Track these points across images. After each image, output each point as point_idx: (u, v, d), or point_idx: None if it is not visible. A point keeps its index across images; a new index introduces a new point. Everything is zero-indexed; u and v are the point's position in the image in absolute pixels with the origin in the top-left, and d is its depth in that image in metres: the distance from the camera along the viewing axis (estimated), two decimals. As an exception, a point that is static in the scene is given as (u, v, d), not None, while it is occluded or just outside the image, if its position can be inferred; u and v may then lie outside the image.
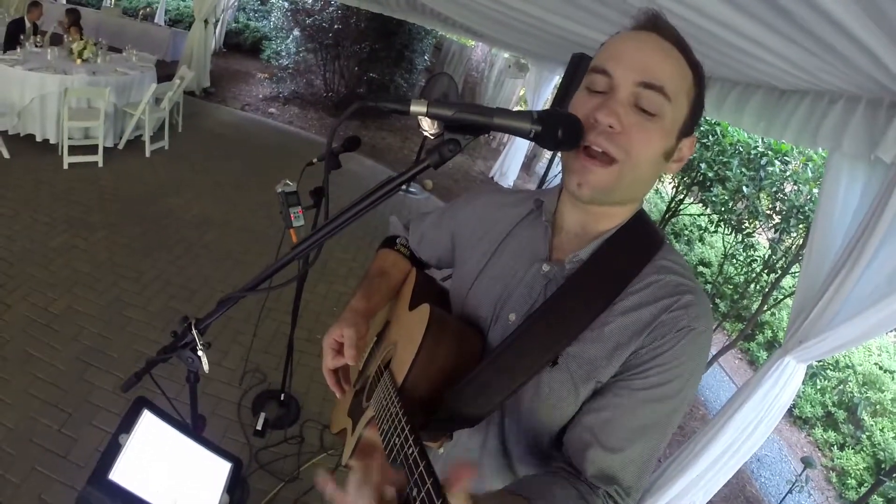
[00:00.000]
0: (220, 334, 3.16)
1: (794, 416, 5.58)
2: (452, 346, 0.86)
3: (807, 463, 2.85)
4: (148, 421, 1.22)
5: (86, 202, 4.22)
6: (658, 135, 0.76)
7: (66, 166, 4.61)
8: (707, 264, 7.87)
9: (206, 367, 1.03)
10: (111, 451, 1.14)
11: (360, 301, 1.02)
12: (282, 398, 2.78)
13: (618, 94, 0.75)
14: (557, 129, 0.72)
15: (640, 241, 0.85)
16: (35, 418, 2.33)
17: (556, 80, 7.78)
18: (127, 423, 1.18)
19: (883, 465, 4.83)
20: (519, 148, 8.71)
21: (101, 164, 4.84)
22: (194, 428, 1.34)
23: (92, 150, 4.80)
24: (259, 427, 2.61)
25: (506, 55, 11.09)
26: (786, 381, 2.03)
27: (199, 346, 1.00)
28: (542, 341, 0.81)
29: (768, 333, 6.56)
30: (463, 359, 0.86)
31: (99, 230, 3.89)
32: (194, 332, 0.98)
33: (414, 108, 0.68)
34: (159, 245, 3.96)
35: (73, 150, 4.67)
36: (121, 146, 5.31)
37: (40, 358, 2.64)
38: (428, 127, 6.42)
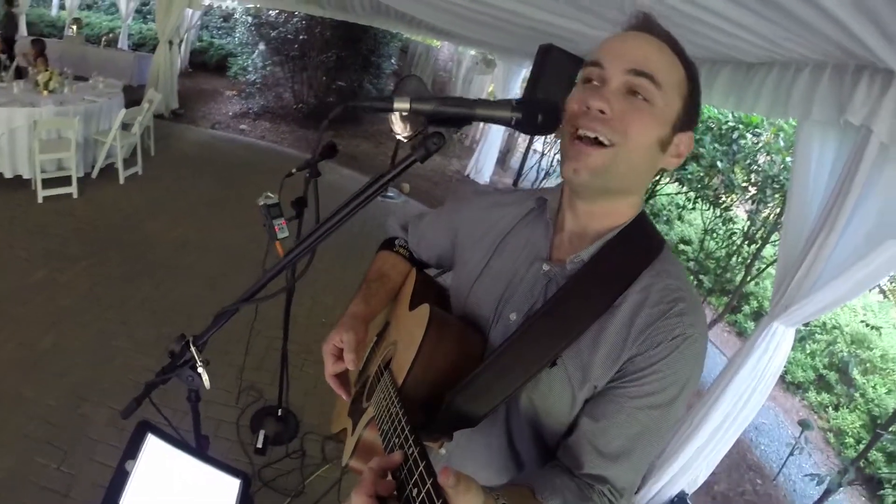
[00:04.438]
0: (210, 358, 3.10)
1: (787, 382, 5.67)
2: (453, 346, 0.86)
3: (804, 425, 2.91)
4: (153, 444, 1.20)
5: (63, 234, 4.13)
6: (650, 119, 0.78)
7: (40, 200, 4.51)
8: (688, 242, 7.92)
9: (207, 383, 1.02)
10: (119, 480, 1.12)
11: (358, 305, 1.02)
12: (279, 413, 2.75)
13: (610, 83, 0.78)
14: (537, 115, 0.74)
15: (640, 245, 0.86)
16: (32, 458, 2.28)
17: (524, 73, 7.82)
18: (132, 449, 1.16)
19: (879, 420, 4.92)
20: (492, 144, 8.76)
21: (76, 195, 4.75)
22: (199, 448, 1.33)
23: (66, 181, 4.70)
24: (259, 445, 2.58)
25: (472, 52, 11.12)
26: (776, 346, 2.07)
27: (199, 363, 1.00)
28: (542, 342, 0.81)
29: (754, 304, 6.65)
30: (463, 359, 0.86)
31: (79, 262, 3.82)
32: (193, 349, 0.98)
33: (397, 104, 0.69)
34: (141, 271, 3.90)
35: (47, 183, 4.57)
36: (94, 175, 5.23)
37: (32, 397, 2.58)
38: (400, 130, 6.38)
